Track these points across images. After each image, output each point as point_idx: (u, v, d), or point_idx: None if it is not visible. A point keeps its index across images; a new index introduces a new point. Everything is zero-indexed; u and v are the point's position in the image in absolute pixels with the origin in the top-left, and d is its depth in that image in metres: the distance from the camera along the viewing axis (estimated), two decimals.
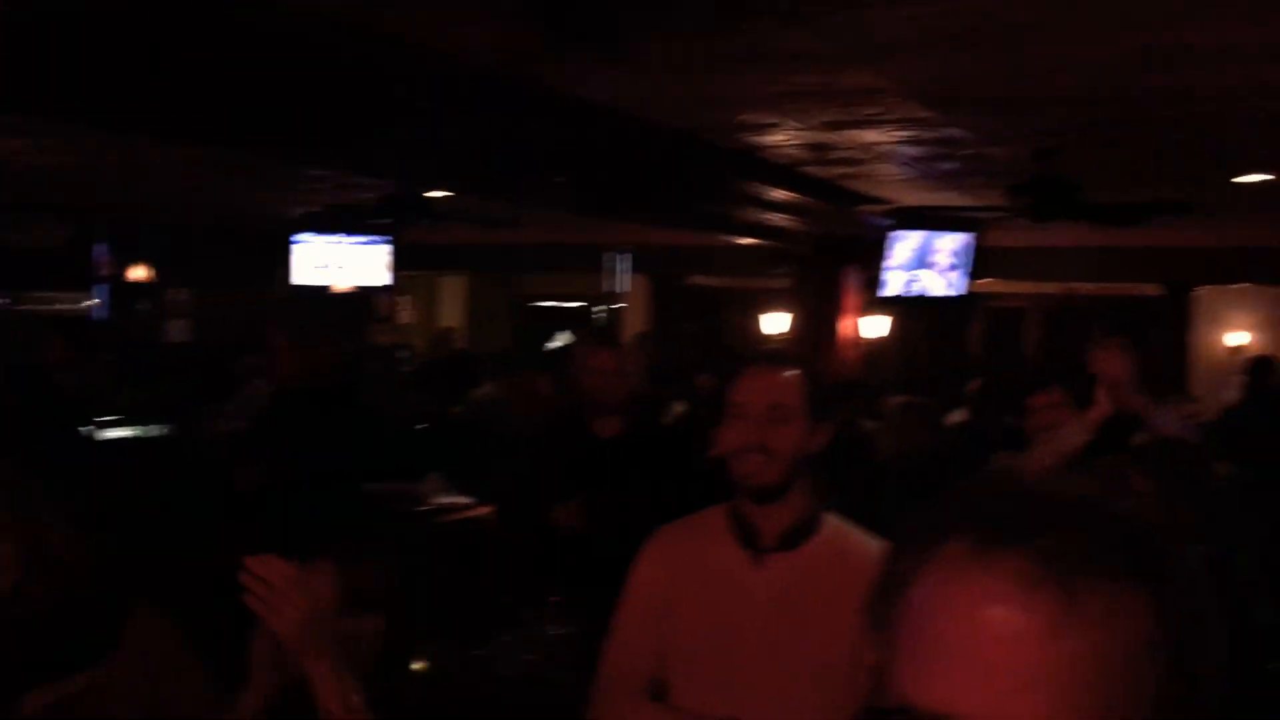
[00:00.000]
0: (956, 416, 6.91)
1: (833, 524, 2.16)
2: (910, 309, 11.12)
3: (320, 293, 9.88)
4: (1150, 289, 11.04)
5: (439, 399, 7.48)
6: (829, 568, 2.08)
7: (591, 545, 3.42)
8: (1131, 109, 4.70)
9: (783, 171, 6.72)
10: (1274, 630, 3.39)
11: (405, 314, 13.76)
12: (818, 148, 5.98)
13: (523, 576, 3.64)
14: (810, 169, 6.72)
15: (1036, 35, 3.66)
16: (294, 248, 9.96)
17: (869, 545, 2.08)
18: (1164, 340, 10.63)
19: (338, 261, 10.00)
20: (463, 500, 5.29)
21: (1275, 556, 4.72)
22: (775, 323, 11.06)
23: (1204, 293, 11.03)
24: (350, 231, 9.89)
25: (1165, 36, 3.61)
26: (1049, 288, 11.99)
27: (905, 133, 5.41)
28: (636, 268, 12.01)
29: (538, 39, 3.57)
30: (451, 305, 15.01)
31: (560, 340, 14.02)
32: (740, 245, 8.64)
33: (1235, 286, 11.16)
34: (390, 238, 9.90)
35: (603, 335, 4.59)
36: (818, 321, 8.86)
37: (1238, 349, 11.41)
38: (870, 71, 4.20)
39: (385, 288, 10.43)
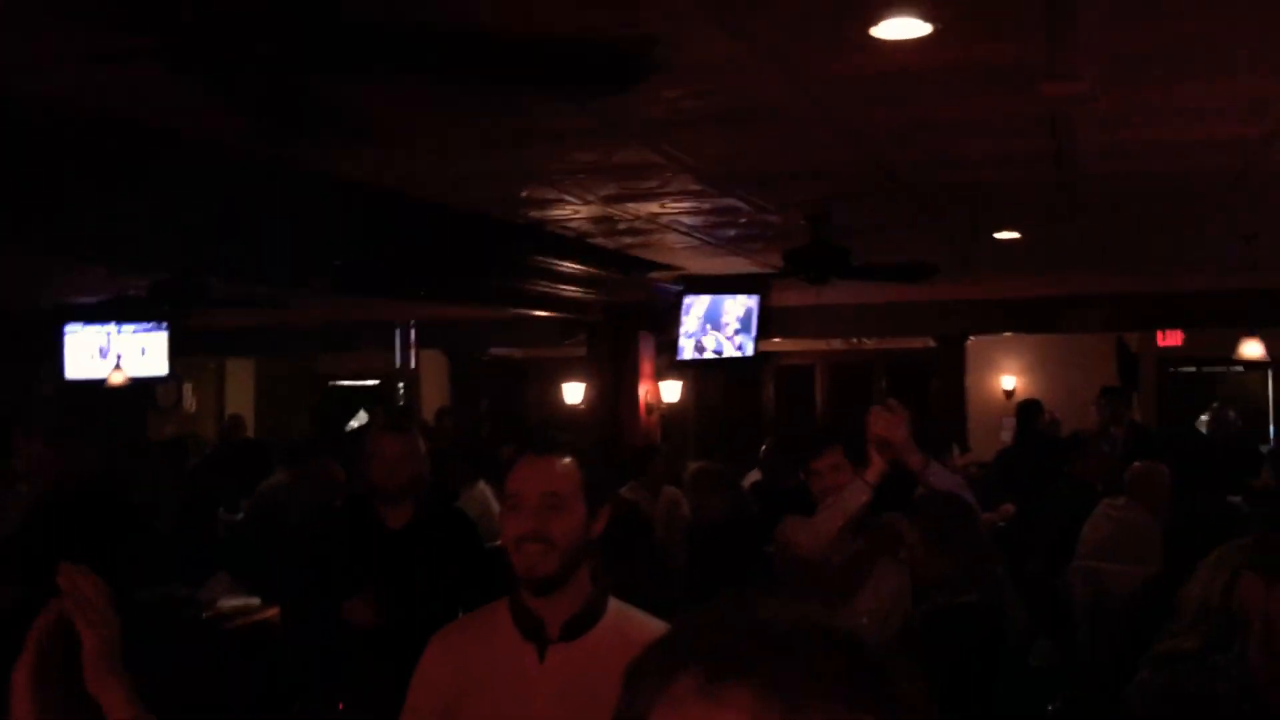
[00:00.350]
0: (752, 477, 7.06)
1: (615, 609, 2.14)
2: (704, 371, 11.38)
3: (93, 386, 9.29)
4: (927, 341, 11.65)
5: (226, 492, 7.12)
6: (613, 655, 2.03)
7: (381, 642, 3.29)
8: (890, 177, 4.96)
9: (571, 243, 6.78)
10: (1050, 671, 3.56)
11: (190, 402, 13.10)
12: (602, 220, 6.07)
13: (310, 680, 3.47)
14: (598, 240, 6.81)
15: (790, 115, 3.83)
16: (65, 338, 9.38)
17: (653, 629, 2.07)
18: (942, 388, 11.22)
19: (113, 351, 9.45)
20: (250, 602, 5.02)
21: (1046, 597, 4.99)
22: (575, 392, 11.09)
23: (975, 342, 11.71)
24: (125, 319, 9.37)
25: (913, 110, 3.84)
26: (836, 344, 12.48)
27: (684, 204, 5.56)
28: (435, 342, 11.84)
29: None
30: (242, 390, 14.39)
31: (360, 420, 13.62)
32: (538, 316, 8.63)
33: (1002, 335, 11.93)
34: (168, 324, 9.43)
35: (389, 420, 4.48)
36: (614, 388, 8.92)
37: (1009, 393, 12.18)
38: (643, 148, 4.30)
39: (166, 376, 9.90)
